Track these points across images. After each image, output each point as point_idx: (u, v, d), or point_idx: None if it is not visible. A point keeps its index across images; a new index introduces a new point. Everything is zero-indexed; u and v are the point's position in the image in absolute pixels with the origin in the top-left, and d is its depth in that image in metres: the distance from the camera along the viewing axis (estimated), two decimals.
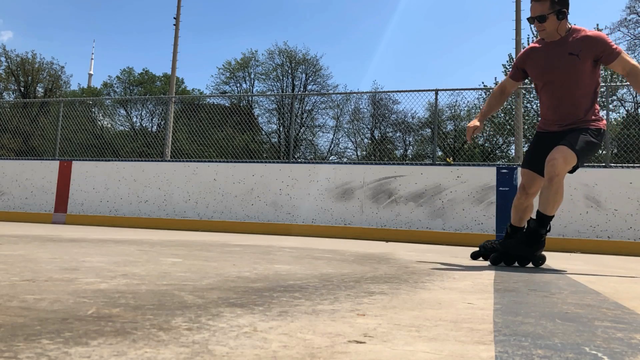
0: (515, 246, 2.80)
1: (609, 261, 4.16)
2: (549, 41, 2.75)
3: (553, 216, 2.67)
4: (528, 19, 2.74)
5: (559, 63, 2.71)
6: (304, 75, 28.49)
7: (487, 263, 3.15)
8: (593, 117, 2.75)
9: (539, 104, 3.00)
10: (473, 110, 18.55)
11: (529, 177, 2.94)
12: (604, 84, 9.69)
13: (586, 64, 2.66)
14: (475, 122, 2.97)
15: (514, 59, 2.78)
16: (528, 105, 19.44)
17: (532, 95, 19.61)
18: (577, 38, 2.67)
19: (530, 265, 2.93)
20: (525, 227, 2.83)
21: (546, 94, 2.83)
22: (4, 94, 30.40)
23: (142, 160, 7.87)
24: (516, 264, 2.89)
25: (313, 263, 2.47)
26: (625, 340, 0.96)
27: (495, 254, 2.89)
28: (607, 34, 20.32)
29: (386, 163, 7.71)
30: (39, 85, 31.72)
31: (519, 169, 6.31)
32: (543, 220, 2.66)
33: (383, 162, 8.45)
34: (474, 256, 3.23)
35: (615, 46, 2.62)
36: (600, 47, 2.62)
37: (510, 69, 3.03)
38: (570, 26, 2.73)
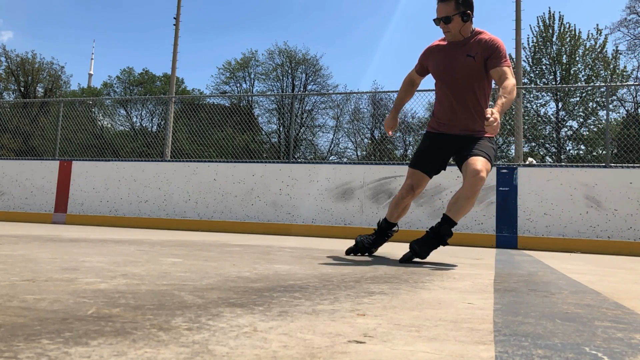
0: (423, 246, 2.71)
1: (609, 261, 4.16)
2: (452, 41, 2.73)
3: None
4: (434, 20, 2.70)
5: (457, 64, 2.71)
6: (304, 75, 28.50)
7: (487, 263, 3.15)
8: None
9: (435, 102, 2.93)
10: None
11: (418, 177, 2.94)
12: (604, 84, 9.67)
13: (481, 66, 2.68)
14: (389, 119, 3.09)
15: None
16: (528, 105, 19.44)
17: (532, 96, 19.62)
18: (476, 40, 2.69)
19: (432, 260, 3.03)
20: (434, 228, 2.71)
21: (444, 94, 2.81)
22: (4, 94, 30.40)
23: (142, 160, 7.87)
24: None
25: (313, 263, 2.47)
26: (625, 340, 0.96)
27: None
28: (607, 34, 20.20)
29: (386, 163, 7.71)
30: (39, 85, 31.73)
31: (519, 168, 6.32)
32: (452, 226, 2.65)
33: (383, 162, 8.45)
34: (348, 252, 3.15)
35: (505, 57, 2.65)
36: (491, 50, 2.65)
37: (417, 62, 3.00)
38: (474, 29, 2.74)
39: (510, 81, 2.57)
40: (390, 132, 3.07)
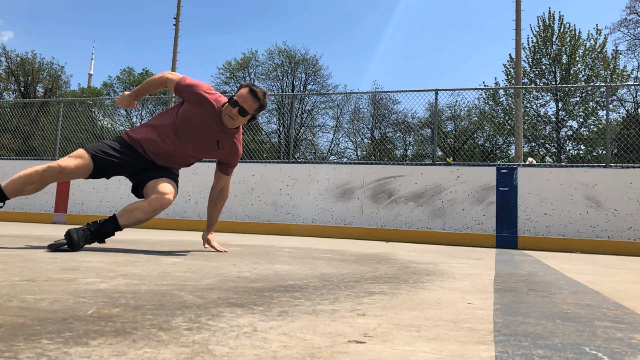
0: (81, 238, 2.42)
1: (609, 261, 4.16)
2: (224, 122, 2.76)
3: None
4: (231, 101, 2.69)
5: (208, 134, 2.76)
6: (303, 75, 28.50)
7: (487, 263, 3.15)
8: None
9: (155, 126, 2.78)
10: (473, 111, 18.56)
11: (83, 162, 2.57)
12: (604, 84, 9.63)
13: (216, 156, 2.89)
14: (126, 97, 2.93)
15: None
16: (528, 105, 19.44)
17: (532, 96, 19.62)
18: (234, 137, 2.86)
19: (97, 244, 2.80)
20: (97, 223, 2.50)
21: (177, 135, 2.74)
22: (4, 94, 30.40)
23: None
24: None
25: (313, 263, 2.47)
26: (625, 340, 0.96)
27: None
28: (607, 34, 20.19)
29: (386, 163, 7.71)
30: (39, 85, 31.72)
31: (519, 168, 6.32)
32: (116, 229, 2.52)
33: (383, 162, 8.45)
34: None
35: (234, 167, 2.99)
36: (233, 158, 2.93)
37: (186, 80, 2.81)
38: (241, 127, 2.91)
39: (226, 193, 3.06)
40: (120, 105, 2.90)
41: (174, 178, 2.78)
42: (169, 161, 2.81)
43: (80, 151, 2.61)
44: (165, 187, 2.61)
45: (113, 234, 2.54)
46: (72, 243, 2.39)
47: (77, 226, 2.64)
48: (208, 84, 2.88)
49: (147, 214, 2.56)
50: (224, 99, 2.82)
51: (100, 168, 2.65)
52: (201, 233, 6.07)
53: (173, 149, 2.76)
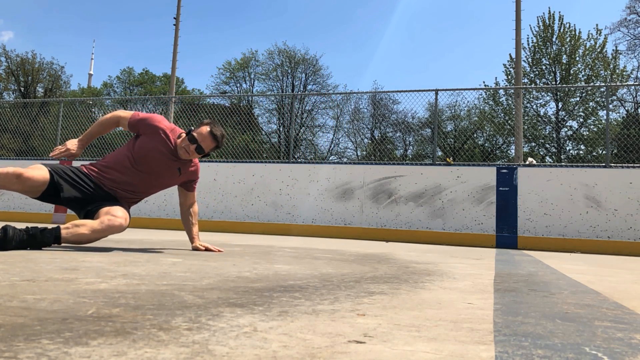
0: (14, 238, 2.27)
1: (609, 261, 4.16)
2: (179, 153, 2.83)
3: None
4: (190, 138, 2.77)
5: (167, 163, 2.83)
6: (303, 75, 28.49)
7: (487, 263, 3.16)
8: None
9: (116, 159, 2.82)
10: (473, 111, 18.56)
11: (41, 172, 2.53)
12: (604, 84, 9.64)
13: (177, 181, 2.97)
14: (77, 143, 2.85)
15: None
16: (528, 105, 19.44)
17: (532, 96, 19.62)
18: (191, 164, 2.98)
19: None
20: (37, 229, 2.36)
21: (136, 167, 2.78)
22: (4, 94, 30.39)
23: None
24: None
25: (313, 263, 2.47)
26: (625, 340, 0.96)
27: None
28: (607, 34, 20.18)
29: (386, 163, 7.71)
30: (39, 85, 31.70)
31: (519, 168, 6.32)
32: (55, 242, 2.35)
33: (383, 162, 8.45)
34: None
35: (197, 180, 3.09)
36: (194, 175, 3.03)
37: (136, 116, 2.86)
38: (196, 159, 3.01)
39: (195, 207, 3.13)
40: (67, 151, 2.78)
41: (127, 210, 2.75)
42: (128, 191, 2.80)
43: (39, 164, 2.62)
44: (119, 211, 2.56)
45: (49, 245, 2.35)
46: (4, 239, 2.20)
47: (16, 224, 2.51)
48: (161, 115, 3.01)
49: (94, 233, 2.43)
50: (179, 130, 2.90)
51: (57, 185, 2.58)
52: (201, 234, 6.08)
53: (132, 179, 2.77)
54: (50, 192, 2.61)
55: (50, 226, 2.42)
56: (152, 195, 3.57)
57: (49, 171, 2.60)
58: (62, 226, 2.40)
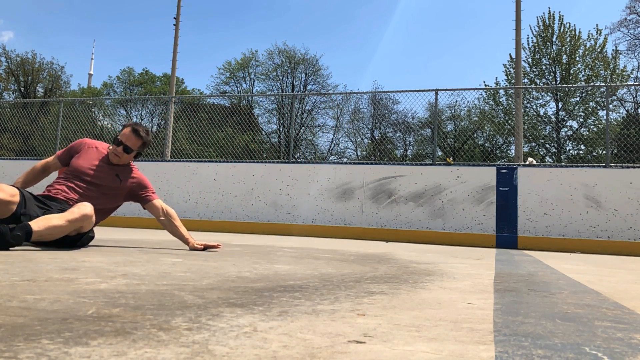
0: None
1: (609, 261, 4.16)
2: (110, 159, 2.98)
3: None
4: (117, 141, 2.94)
5: (104, 171, 2.94)
6: (303, 75, 28.49)
7: (487, 263, 3.15)
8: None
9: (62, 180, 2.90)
10: (473, 111, 18.56)
11: (11, 189, 2.52)
12: (604, 84, 9.67)
13: (124, 190, 3.01)
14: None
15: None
16: (528, 105, 19.44)
17: (532, 96, 19.62)
18: (131, 170, 3.06)
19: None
20: (10, 227, 2.25)
21: (83, 181, 2.86)
22: (4, 94, 30.39)
23: (142, 160, 7.87)
24: None
25: (313, 263, 2.47)
26: (625, 340, 0.96)
27: None
28: (607, 34, 20.15)
29: (386, 163, 7.71)
30: (39, 85, 31.69)
31: (519, 168, 6.32)
32: (26, 239, 2.27)
33: (383, 162, 8.45)
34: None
35: (151, 189, 3.12)
36: (144, 183, 3.08)
37: (63, 151, 3.07)
38: (132, 162, 3.12)
39: (171, 211, 3.13)
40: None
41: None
42: (80, 201, 2.82)
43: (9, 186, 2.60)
44: (86, 204, 2.61)
45: (20, 244, 2.25)
46: None
47: None
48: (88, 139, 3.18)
49: (66, 221, 2.40)
50: (107, 144, 3.10)
51: (25, 199, 2.55)
52: (201, 233, 6.08)
53: (85, 192, 2.85)
54: (18, 208, 2.50)
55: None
56: None
57: (18, 189, 2.59)
58: (31, 222, 2.30)
